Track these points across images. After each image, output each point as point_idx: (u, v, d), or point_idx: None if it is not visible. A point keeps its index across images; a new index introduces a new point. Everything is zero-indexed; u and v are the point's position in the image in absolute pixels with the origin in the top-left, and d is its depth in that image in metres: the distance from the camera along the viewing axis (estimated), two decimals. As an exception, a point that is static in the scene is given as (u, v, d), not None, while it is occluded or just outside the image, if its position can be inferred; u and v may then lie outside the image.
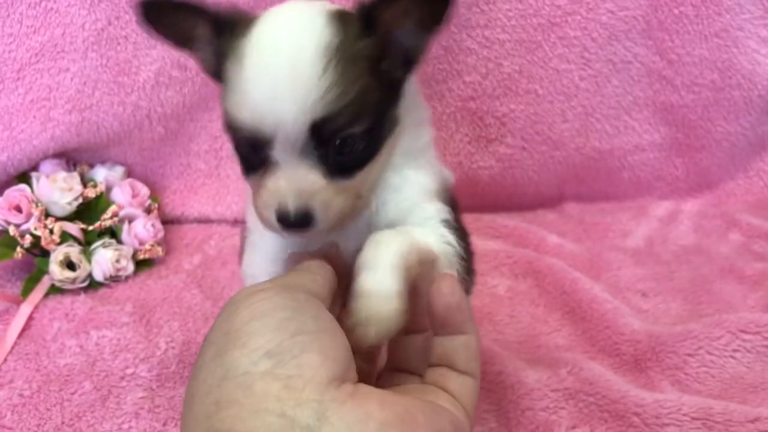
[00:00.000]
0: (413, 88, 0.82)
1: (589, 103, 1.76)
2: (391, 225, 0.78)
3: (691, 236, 1.73)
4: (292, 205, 0.68)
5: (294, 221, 0.69)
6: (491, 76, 1.69)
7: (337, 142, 0.69)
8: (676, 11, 1.69)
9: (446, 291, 0.69)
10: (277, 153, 0.69)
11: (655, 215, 1.84)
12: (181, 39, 0.79)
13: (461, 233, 0.85)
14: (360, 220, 0.79)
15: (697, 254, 1.63)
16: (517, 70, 1.69)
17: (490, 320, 1.33)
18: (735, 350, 1.18)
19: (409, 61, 0.76)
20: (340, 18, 0.72)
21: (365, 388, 0.58)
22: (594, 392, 1.07)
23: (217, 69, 0.76)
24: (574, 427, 1.03)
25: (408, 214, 0.79)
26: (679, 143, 1.87)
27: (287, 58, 0.67)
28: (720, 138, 1.85)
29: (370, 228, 0.78)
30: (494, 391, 1.12)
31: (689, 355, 1.18)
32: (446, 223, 0.80)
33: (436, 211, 0.80)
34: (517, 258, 1.54)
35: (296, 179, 0.69)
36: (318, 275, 0.68)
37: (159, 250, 1.54)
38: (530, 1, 1.63)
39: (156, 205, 1.65)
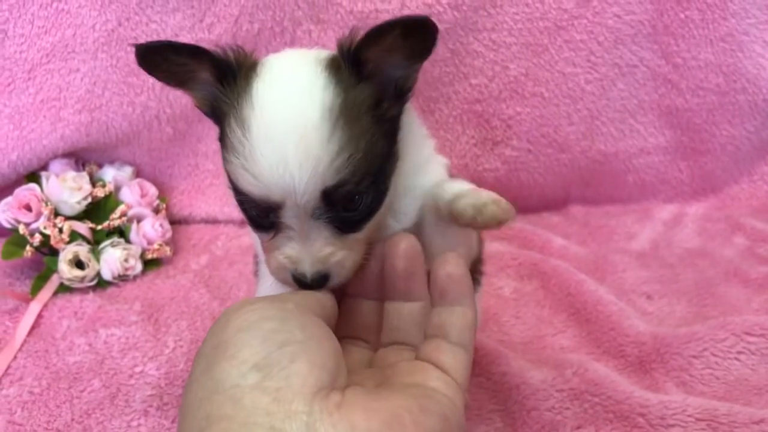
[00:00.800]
0: (409, 115, 0.80)
1: (594, 107, 1.77)
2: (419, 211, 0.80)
3: (696, 239, 1.74)
4: (309, 271, 0.70)
5: (312, 285, 0.71)
6: (497, 78, 1.70)
7: (345, 201, 0.70)
8: (681, 15, 1.70)
9: (450, 261, 0.71)
10: (288, 218, 0.69)
11: (660, 218, 1.85)
12: (178, 80, 0.76)
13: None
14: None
15: (702, 257, 1.64)
16: (524, 73, 1.70)
17: (495, 321, 1.33)
18: (740, 352, 1.19)
19: (400, 93, 0.74)
20: (334, 67, 0.70)
21: (352, 396, 0.58)
22: (599, 393, 1.07)
23: (214, 111, 0.76)
24: (579, 428, 1.04)
25: (434, 188, 0.78)
26: (684, 147, 1.88)
27: (294, 126, 0.66)
28: (725, 142, 1.86)
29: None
30: (500, 391, 1.13)
31: (694, 356, 1.18)
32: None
33: (459, 181, 0.79)
34: (523, 260, 1.54)
35: (310, 245, 0.70)
36: (318, 296, 0.70)
37: (167, 250, 1.55)
38: (537, 5, 1.65)
39: (164, 205, 1.66)
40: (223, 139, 0.72)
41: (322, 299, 0.70)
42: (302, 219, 0.69)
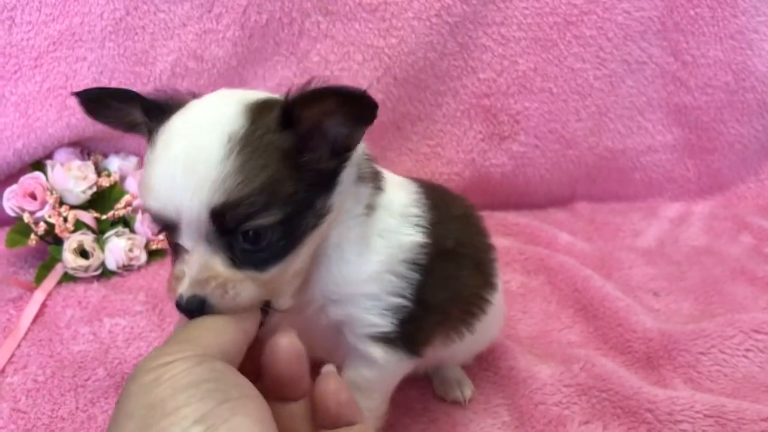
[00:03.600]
0: (353, 174, 0.78)
1: (603, 103, 1.76)
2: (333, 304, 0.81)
3: (702, 238, 1.74)
4: (184, 293, 0.66)
5: (185, 308, 0.66)
6: (506, 73, 1.70)
7: (246, 232, 0.67)
8: (691, 12, 1.70)
9: (334, 388, 0.66)
10: (184, 239, 0.68)
11: (666, 216, 1.84)
12: (125, 125, 0.77)
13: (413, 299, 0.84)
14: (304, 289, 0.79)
15: (708, 255, 1.64)
16: (532, 68, 1.70)
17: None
18: (747, 350, 1.19)
19: (338, 152, 0.72)
20: (260, 109, 0.70)
21: None
22: (607, 388, 1.07)
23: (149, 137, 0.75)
24: (586, 422, 1.03)
25: (347, 305, 0.81)
26: (692, 145, 1.87)
27: (189, 144, 0.66)
28: (732, 140, 1.86)
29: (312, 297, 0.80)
30: (507, 385, 1.13)
31: (702, 353, 1.18)
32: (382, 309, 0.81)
33: (371, 307, 0.81)
34: (529, 255, 1.54)
35: (194, 266, 0.67)
36: (232, 332, 0.65)
37: (171, 241, 1.54)
38: (547, 0, 1.64)
39: (169, 196, 1.65)
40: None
41: (222, 330, 0.64)
42: (197, 241, 0.67)
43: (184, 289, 0.66)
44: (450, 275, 0.89)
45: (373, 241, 0.81)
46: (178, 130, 0.68)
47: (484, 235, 1.03)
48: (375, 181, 0.83)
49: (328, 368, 0.70)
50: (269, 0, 1.54)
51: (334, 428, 0.67)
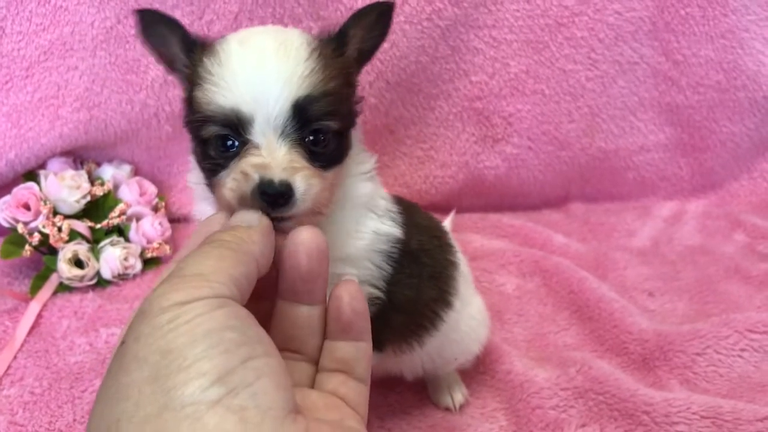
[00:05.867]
0: (359, 137, 0.85)
1: (595, 104, 1.76)
2: None
3: (696, 237, 1.74)
4: (276, 177, 0.66)
5: (277, 192, 0.66)
6: (498, 75, 1.70)
7: (313, 132, 0.71)
8: (682, 12, 1.70)
9: (354, 294, 0.64)
10: (257, 134, 0.69)
11: (660, 215, 1.85)
12: (163, 56, 0.81)
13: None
14: None
15: (703, 254, 1.64)
16: (524, 71, 1.70)
17: (498, 318, 1.33)
18: (743, 349, 1.19)
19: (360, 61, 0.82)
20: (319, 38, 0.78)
21: (315, 425, 0.53)
22: (603, 391, 1.07)
23: (188, 93, 0.76)
24: (584, 426, 1.04)
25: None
26: (684, 144, 1.88)
27: (274, 41, 0.72)
28: (725, 139, 1.86)
29: None
30: (504, 389, 1.13)
31: (697, 354, 1.18)
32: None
33: None
34: (524, 257, 1.54)
35: (281, 154, 0.69)
36: (254, 252, 0.59)
37: (167, 249, 1.54)
38: (538, 2, 1.64)
39: (163, 204, 1.65)
40: (187, 98, 0.75)
41: (236, 262, 0.57)
42: (273, 135, 0.69)
43: (276, 173, 0.67)
44: (413, 274, 0.90)
45: (365, 214, 0.84)
46: (254, 35, 0.74)
47: (447, 250, 1.02)
48: (371, 157, 0.88)
49: (349, 277, 0.69)
50: (261, 6, 1.54)
51: (342, 339, 0.65)
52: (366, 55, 0.83)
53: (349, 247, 0.81)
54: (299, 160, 0.69)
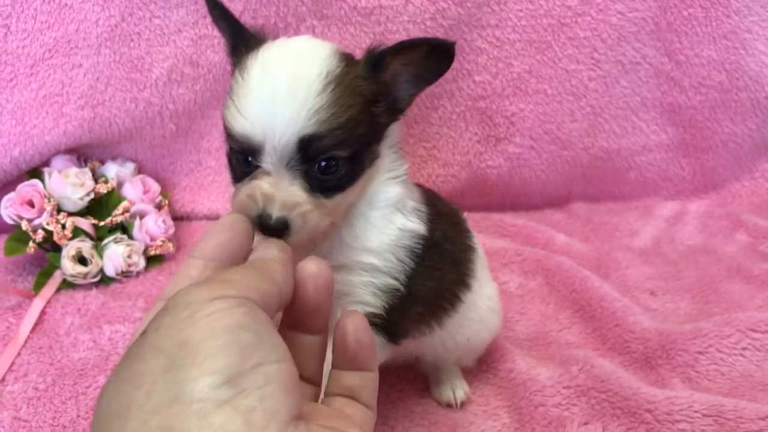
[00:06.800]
0: (396, 136, 0.87)
1: (597, 104, 1.77)
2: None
3: (698, 236, 1.75)
4: (275, 213, 0.72)
5: (273, 227, 0.72)
6: (501, 75, 1.70)
7: (322, 161, 0.74)
8: (685, 13, 1.71)
9: (356, 325, 0.65)
10: (266, 162, 0.73)
11: (662, 215, 1.85)
12: (228, 40, 0.86)
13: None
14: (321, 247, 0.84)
15: (704, 254, 1.64)
16: (527, 70, 1.70)
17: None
18: (745, 348, 1.19)
19: (394, 110, 0.82)
20: (346, 57, 0.79)
21: (319, 430, 0.54)
22: (606, 389, 1.08)
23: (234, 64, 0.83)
24: (586, 423, 1.04)
25: (349, 272, 0.85)
26: (686, 144, 1.88)
27: (288, 74, 0.73)
28: (726, 139, 1.87)
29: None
30: (507, 387, 1.13)
31: (700, 353, 1.19)
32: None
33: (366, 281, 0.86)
34: (526, 256, 1.55)
35: (282, 189, 0.73)
36: (278, 280, 0.61)
37: (170, 246, 1.54)
38: (541, 2, 1.64)
39: (166, 202, 1.65)
40: (229, 92, 0.79)
41: (282, 281, 0.61)
42: (279, 166, 0.73)
43: (276, 209, 0.72)
44: (435, 266, 0.93)
45: (394, 211, 0.87)
46: (276, 59, 0.75)
47: (465, 236, 1.06)
48: (403, 157, 0.90)
49: (354, 308, 0.76)
50: (265, 5, 1.54)
51: (349, 369, 0.66)
52: (398, 103, 0.82)
53: (374, 241, 0.85)
54: (301, 194, 0.74)
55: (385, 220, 0.86)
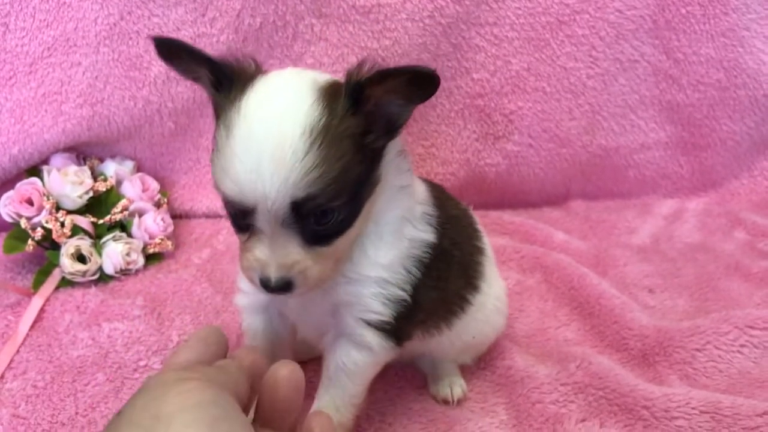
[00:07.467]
0: (397, 146, 0.84)
1: (596, 101, 1.77)
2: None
3: (696, 234, 1.75)
4: (273, 276, 0.73)
5: (275, 289, 0.74)
6: (499, 73, 1.70)
7: (317, 214, 0.73)
8: (683, 11, 1.71)
9: (326, 428, 0.68)
10: (260, 222, 0.73)
11: (660, 213, 1.85)
12: (190, 75, 0.81)
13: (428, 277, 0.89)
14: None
15: (703, 252, 1.65)
16: (525, 68, 1.71)
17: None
18: (742, 345, 1.20)
19: (390, 129, 0.78)
20: (329, 94, 0.74)
21: None
22: (603, 386, 1.08)
23: (214, 109, 0.80)
24: (583, 420, 1.04)
25: (358, 285, 0.85)
26: (685, 142, 1.89)
27: (272, 137, 0.69)
28: (725, 137, 1.87)
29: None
30: (504, 384, 1.13)
31: (697, 350, 1.19)
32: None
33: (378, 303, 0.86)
34: (525, 253, 1.55)
35: (278, 251, 0.73)
36: (237, 379, 0.66)
37: (169, 244, 1.54)
38: (539, 0, 1.64)
39: (165, 200, 1.65)
40: (213, 138, 0.76)
41: (239, 381, 0.66)
42: (273, 225, 0.72)
43: (273, 273, 0.73)
44: (441, 276, 0.93)
45: (404, 224, 0.86)
46: (258, 122, 0.71)
47: (474, 237, 1.07)
48: (407, 157, 0.88)
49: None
50: (263, 3, 1.54)
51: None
52: (393, 122, 0.77)
53: (385, 257, 0.85)
54: (297, 252, 0.74)
55: (394, 235, 0.86)
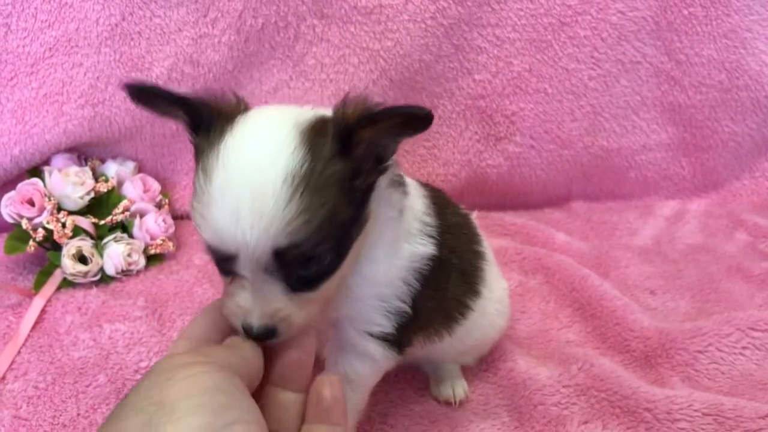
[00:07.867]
0: (387, 179, 0.80)
1: (597, 103, 1.77)
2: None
3: (698, 235, 1.75)
4: (255, 324, 0.69)
5: (258, 336, 0.70)
6: (501, 74, 1.70)
7: (301, 261, 0.69)
8: (685, 12, 1.71)
9: (334, 384, 0.69)
10: (242, 269, 0.69)
11: (662, 214, 1.85)
12: (164, 115, 0.76)
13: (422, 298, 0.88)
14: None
15: (704, 253, 1.65)
16: (527, 69, 1.70)
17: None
18: (744, 347, 1.20)
19: (379, 163, 0.74)
20: (314, 134, 0.69)
21: None
22: (605, 388, 1.08)
23: (195, 150, 0.75)
24: (586, 422, 1.04)
25: (358, 301, 0.84)
26: (686, 143, 1.89)
27: (252, 186, 0.65)
28: (726, 138, 1.87)
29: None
30: (507, 386, 1.13)
31: (699, 351, 1.19)
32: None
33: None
34: (526, 255, 1.55)
35: (260, 298, 0.69)
36: (249, 359, 0.67)
37: (170, 245, 1.54)
38: (541, 1, 1.65)
39: (167, 201, 1.65)
40: (193, 182, 0.72)
41: (249, 355, 0.68)
42: (255, 272, 0.68)
43: (255, 320, 0.69)
44: (438, 286, 0.92)
45: (400, 244, 0.85)
46: (236, 167, 0.67)
47: (475, 242, 1.06)
48: (402, 185, 0.86)
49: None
50: (265, 4, 1.54)
51: (321, 423, 0.69)
52: (381, 155, 0.73)
53: (384, 276, 0.84)
54: (280, 300, 0.70)
55: (392, 256, 0.84)
